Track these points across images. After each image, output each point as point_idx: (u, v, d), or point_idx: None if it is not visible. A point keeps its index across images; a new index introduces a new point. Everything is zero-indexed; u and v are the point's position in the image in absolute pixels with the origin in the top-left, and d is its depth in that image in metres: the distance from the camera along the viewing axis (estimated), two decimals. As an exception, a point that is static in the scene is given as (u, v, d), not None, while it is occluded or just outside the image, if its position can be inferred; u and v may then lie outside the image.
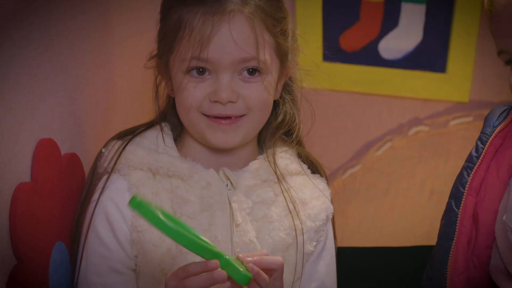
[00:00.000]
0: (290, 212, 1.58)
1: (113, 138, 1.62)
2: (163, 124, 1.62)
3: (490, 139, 1.53)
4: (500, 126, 1.54)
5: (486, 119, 1.57)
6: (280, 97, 1.64)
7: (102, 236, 1.52)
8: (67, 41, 1.56)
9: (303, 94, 1.67)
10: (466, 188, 1.52)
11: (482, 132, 1.56)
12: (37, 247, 1.42)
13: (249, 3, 1.52)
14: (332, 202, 1.65)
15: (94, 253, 1.52)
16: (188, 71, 1.53)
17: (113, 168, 1.56)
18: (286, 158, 1.63)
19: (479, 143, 1.55)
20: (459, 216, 1.52)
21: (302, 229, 1.58)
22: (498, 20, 1.42)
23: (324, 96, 1.70)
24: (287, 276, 1.55)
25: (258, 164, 1.60)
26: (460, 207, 1.52)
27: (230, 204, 1.55)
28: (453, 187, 1.56)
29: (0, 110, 1.31)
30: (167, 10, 1.56)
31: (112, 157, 1.57)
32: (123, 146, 1.58)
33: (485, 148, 1.53)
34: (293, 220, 1.57)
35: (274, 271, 1.42)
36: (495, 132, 1.54)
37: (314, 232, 1.60)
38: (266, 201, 1.57)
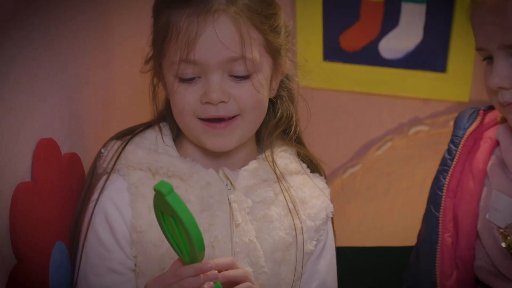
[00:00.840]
0: (290, 212, 1.57)
1: (112, 138, 1.61)
2: (161, 124, 1.62)
3: (462, 141, 1.55)
4: (471, 127, 1.55)
5: (456, 122, 1.58)
6: (277, 95, 1.63)
7: (101, 236, 1.52)
8: (67, 41, 1.56)
9: (301, 93, 1.66)
10: (444, 191, 1.53)
11: (453, 135, 1.57)
12: (37, 247, 1.42)
13: (235, 2, 1.50)
14: (331, 201, 1.65)
15: (93, 253, 1.52)
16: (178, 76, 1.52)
17: (112, 168, 1.56)
18: (285, 158, 1.63)
19: (451, 145, 1.56)
20: (440, 219, 1.52)
21: (302, 229, 1.57)
22: (481, 19, 1.42)
23: (324, 96, 1.71)
24: (288, 276, 1.56)
25: (258, 163, 1.60)
26: (440, 211, 1.53)
27: (230, 204, 1.55)
28: (430, 192, 1.57)
29: (0, 110, 1.31)
30: (157, 13, 1.55)
31: (112, 157, 1.57)
32: (122, 146, 1.58)
33: (458, 150, 1.54)
34: (293, 220, 1.57)
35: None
36: (466, 133, 1.55)
37: (314, 231, 1.60)
38: (266, 201, 1.57)
